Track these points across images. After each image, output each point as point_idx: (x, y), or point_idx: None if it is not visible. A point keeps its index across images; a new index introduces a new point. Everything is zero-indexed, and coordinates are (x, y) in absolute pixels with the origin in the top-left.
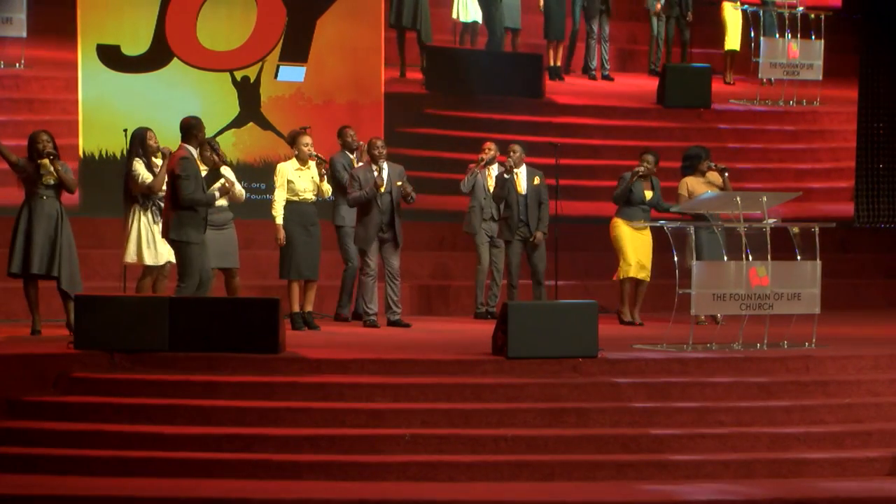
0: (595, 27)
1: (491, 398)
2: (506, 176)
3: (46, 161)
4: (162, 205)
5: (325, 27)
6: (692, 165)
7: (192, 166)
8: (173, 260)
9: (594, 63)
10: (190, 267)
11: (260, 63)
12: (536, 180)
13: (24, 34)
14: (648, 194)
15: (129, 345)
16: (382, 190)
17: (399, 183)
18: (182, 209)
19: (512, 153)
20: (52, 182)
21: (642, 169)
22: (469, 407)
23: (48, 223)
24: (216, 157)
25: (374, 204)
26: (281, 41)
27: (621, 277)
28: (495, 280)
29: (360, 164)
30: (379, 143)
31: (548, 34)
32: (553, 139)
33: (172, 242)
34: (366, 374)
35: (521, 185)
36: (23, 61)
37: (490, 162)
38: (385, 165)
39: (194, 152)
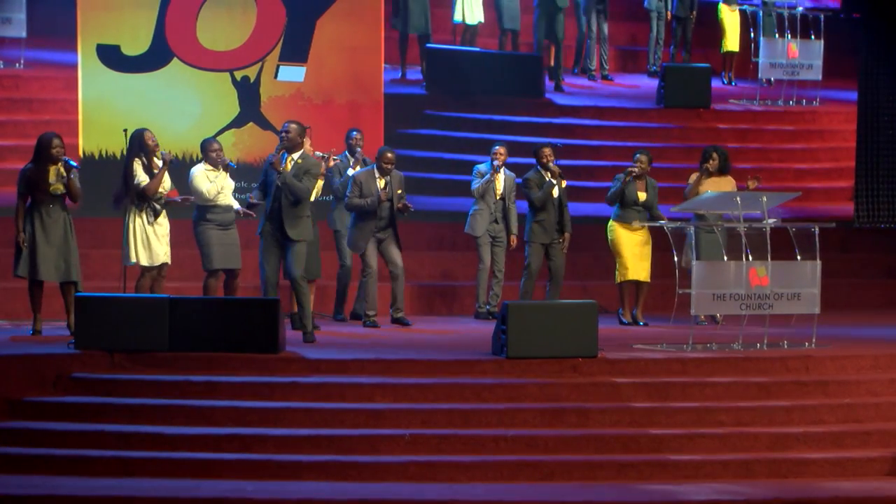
0: (594, 27)
1: (491, 398)
2: (553, 182)
3: (61, 167)
4: (158, 207)
5: (324, 27)
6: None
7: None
8: (169, 261)
9: (593, 63)
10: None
11: (260, 63)
12: (563, 183)
13: (24, 34)
14: (642, 195)
15: (129, 345)
16: (384, 199)
17: (399, 191)
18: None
19: (549, 156)
20: (60, 191)
21: (636, 169)
22: (469, 407)
23: (56, 230)
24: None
25: (374, 212)
26: (281, 41)
27: (618, 281)
28: (496, 280)
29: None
30: (389, 154)
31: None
32: (553, 139)
33: (300, 242)
34: (366, 374)
35: (555, 188)
36: (23, 61)
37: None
38: (389, 176)
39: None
